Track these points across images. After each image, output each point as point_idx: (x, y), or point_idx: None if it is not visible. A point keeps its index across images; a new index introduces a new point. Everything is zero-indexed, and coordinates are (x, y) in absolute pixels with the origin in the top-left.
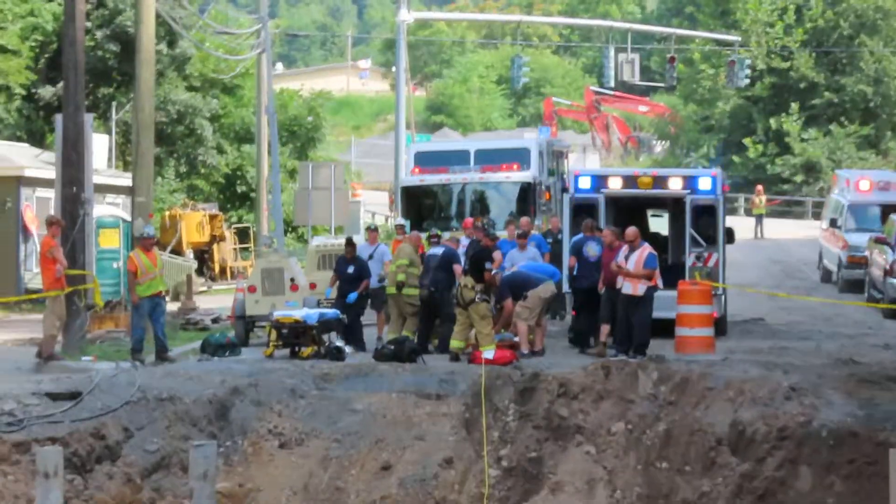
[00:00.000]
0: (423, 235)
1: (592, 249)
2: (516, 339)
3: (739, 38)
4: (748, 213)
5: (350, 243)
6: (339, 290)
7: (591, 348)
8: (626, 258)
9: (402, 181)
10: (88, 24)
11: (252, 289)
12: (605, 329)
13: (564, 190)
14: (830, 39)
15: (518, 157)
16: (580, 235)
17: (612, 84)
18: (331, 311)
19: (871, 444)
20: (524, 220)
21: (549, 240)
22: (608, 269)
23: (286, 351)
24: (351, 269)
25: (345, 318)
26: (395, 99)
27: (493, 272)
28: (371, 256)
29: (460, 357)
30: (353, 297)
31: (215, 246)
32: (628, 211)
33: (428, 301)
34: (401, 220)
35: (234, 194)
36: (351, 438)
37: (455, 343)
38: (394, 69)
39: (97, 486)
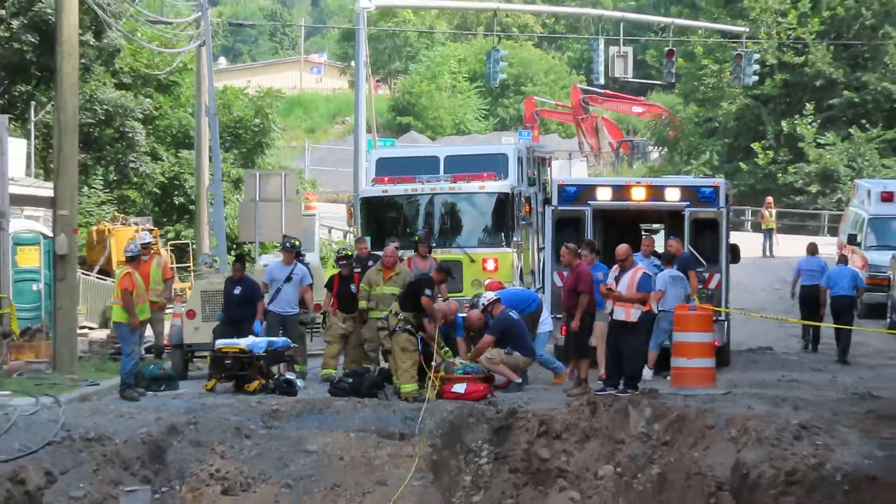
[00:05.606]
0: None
1: None
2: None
3: (747, 30)
4: (756, 227)
5: (239, 259)
6: (225, 315)
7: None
8: (617, 280)
9: (362, 192)
10: (2, 12)
11: (191, 314)
12: (584, 365)
13: (547, 202)
14: (850, 31)
15: (494, 164)
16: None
17: (602, 81)
18: (280, 340)
19: (892, 488)
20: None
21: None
22: (568, 294)
23: (229, 384)
24: (237, 291)
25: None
26: (355, 98)
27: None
28: (289, 278)
29: (417, 398)
30: (258, 325)
31: None
32: (619, 226)
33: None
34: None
35: (171, 207)
36: (303, 483)
37: (406, 387)
38: (352, 64)
39: None
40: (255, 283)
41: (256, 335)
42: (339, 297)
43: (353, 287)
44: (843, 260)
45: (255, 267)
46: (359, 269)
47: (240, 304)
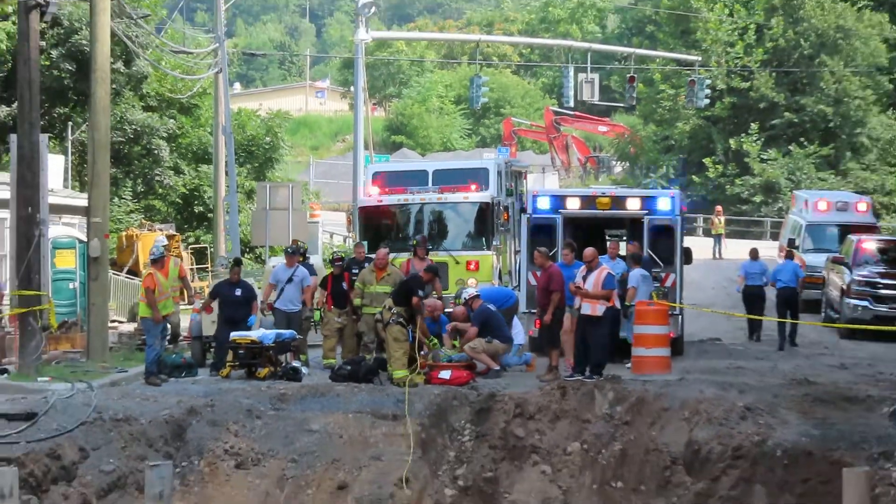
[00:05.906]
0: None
1: None
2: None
3: (700, 58)
4: (707, 233)
5: (237, 263)
6: (223, 316)
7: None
8: (584, 279)
9: (360, 201)
10: (43, 43)
11: (209, 309)
12: (555, 354)
13: (523, 210)
14: (791, 59)
15: (476, 177)
16: None
17: (572, 104)
18: (287, 332)
19: (826, 463)
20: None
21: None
22: (542, 292)
23: (242, 371)
24: (238, 292)
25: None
26: (354, 119)
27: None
28: (290, 279)
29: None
30: (253, 320)
31: None
32: (587, 231)
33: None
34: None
35: (192, 214)
36: (307, 458)
37: (398, 373)
38: (352, 89)
39: None
40: (252, 285)
41: (249, 328)
42: (332, 294)
43: (344, 285)
44: (789, 255)
45: (266, 268)
46: (356, 270)
47: (240, 305)
